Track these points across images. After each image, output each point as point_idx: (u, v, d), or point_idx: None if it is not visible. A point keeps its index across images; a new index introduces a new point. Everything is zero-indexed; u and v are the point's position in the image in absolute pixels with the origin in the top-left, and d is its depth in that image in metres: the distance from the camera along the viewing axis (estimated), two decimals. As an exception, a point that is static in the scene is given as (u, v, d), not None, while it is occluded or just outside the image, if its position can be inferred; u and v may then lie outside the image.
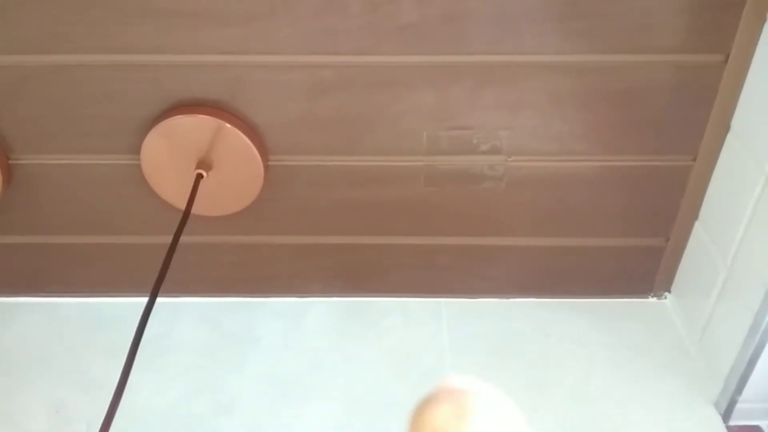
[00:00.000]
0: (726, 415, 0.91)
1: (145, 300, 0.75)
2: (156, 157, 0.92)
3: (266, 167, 0.94)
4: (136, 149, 0.92)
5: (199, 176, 0.91)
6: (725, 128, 0.89)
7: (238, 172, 0.93)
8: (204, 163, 0.91)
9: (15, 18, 0.83)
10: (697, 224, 0.99)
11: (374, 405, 0.94)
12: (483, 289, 1.09)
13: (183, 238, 0.85)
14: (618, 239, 1.03)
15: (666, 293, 1.08)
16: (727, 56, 0.84)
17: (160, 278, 0.76)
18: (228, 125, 0.89)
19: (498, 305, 1.08)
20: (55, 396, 0.96)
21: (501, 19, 0.82)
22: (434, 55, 0.85)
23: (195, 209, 0.90)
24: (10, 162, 0.95)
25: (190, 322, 1.07)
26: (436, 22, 0.82)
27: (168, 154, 0.92)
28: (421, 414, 0.14)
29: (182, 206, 0.90)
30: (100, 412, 0.64)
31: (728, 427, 0.90)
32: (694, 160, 0.94)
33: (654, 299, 1.09)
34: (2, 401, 0.95)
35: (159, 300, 0.76)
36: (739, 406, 0.89)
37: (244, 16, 0.82)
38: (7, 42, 0.85)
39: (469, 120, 0.90)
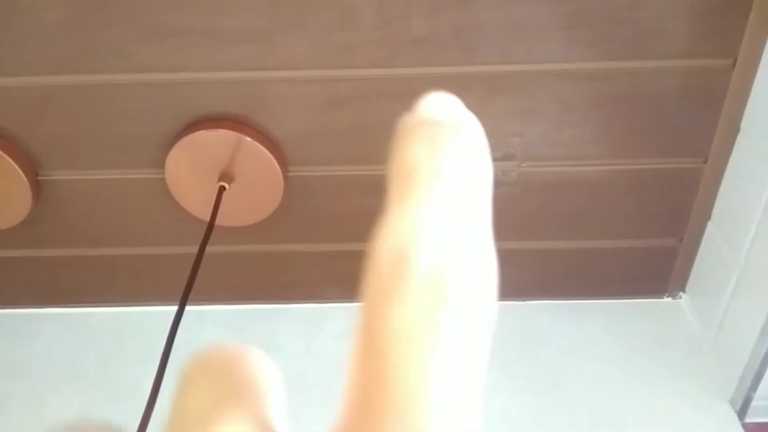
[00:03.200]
0: (741, 413, 0.92)
1: (171, 309, 0.78)
2: (179, 171, 0.95)
3: (286, 178, 0.96)
4: (161, 163, 0.95)
5: (222, 188, 0.94)
6: (735, 130, 0.91)
7: (258, 184, 0.96)
8: (226, 176, 0.94)
9: (39, 40, 0.86)
10: (710, 224, 1.00)
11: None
12: (499, 292, 1.10)
13: (206, 248, 0.88)
14: (632, 241, 1.04)
15: (681, 293, 1.10)
16: (735, 60, 0.86)
17: (188, 288, 0.79)
18: (248, 138, 0.91)
19: (513, 308, 1.10)
20: (85, 404, 0.99)
21: (509, 30, 0.84)
22: (445, 66, 0.87)
23: (218, 220, 0.93)
24: (39, 178, 0.98)
25: (214, 329, 1.10)
26: (447, 34, 0.85)
27: (191, 167, 0.95)
28: (397, 151, 0.15)
29: (205, 217, 0.93)
30: (129, 420, 0.67)
31: (744, 424, 0.91)
32: (705, 161, 0.95)
33: (669, 299, 1.10)
34: (33, 410, 0.98)
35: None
36: (754, 403, 0.90)
37: (261, 33, 0.85)
38: (32, 63, 0.88)
39: (482, 128, 0.92)
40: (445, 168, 0.15)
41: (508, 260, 1.11)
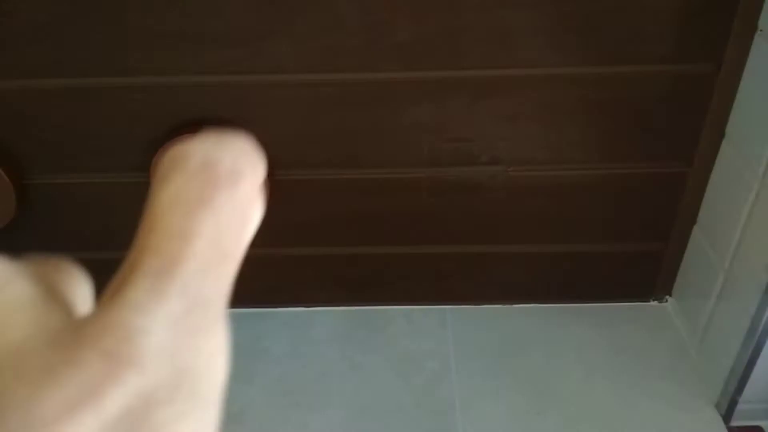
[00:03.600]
0: (727, 416, 0.92)
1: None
2: (164, 174, 0.95)
3: (271, 181, 0.96)
4: (145, 167, 0.94)
5: (207, 192, 0.93)
6: (720, 135, 0.91)
7: (244, 187, 0.95)
8: (211, 179, 0.94)
9: (25, 43, 0.85)
10: (695, 228, 1.01)
11: (381, 412, 0.96)
12: (486, 296, 1.11)
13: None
14: (618, 244, 1.05)
15: (667, 297, 1.10)
16: (720, 65, 0.86)
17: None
18: (234, 142, 0.91)
19: (501, 311, 1.10)
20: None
21: (495, 34, 0.84)
22: (432, 70, 0.87)
23: (203, 224, 0.93)
24: (23, 182, 0.97)
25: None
26: (433, 38, 0.84)
27: (176, 171, 0.94)
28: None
29: (191, 221, 0.92)
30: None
31: (729, 428, 0.91)
32: (691, 166, 0.95)
33: (655, 303, 1.11)
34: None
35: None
36: (739, 406, 0.91)
37: (246, 37, 0.85)
38: (18, 66, 0.87)
39: (468, 132, 0.93)
40: (217, 132, 0.20)
41: (494, 265, 1.12)
